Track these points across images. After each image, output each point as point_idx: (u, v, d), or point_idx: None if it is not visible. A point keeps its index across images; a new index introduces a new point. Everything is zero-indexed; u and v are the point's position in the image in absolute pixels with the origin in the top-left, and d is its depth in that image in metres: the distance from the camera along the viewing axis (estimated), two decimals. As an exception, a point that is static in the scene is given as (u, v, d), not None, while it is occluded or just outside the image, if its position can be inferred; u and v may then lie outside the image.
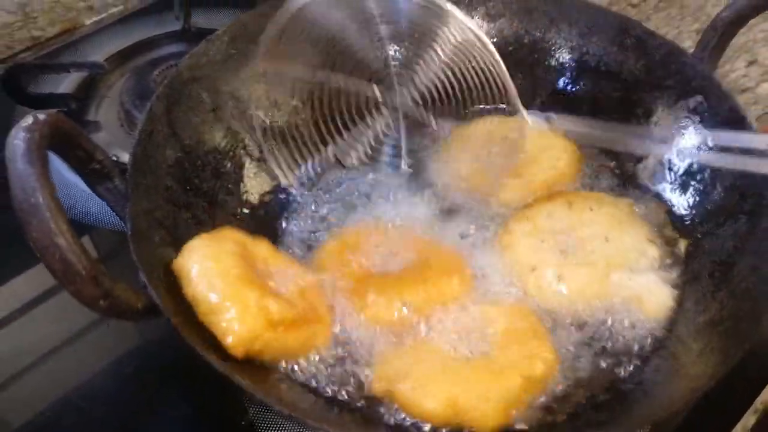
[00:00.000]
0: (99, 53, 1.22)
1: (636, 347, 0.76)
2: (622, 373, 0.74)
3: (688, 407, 0.79)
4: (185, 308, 0.68)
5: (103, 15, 1.27)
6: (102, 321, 0.90)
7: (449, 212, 0.88)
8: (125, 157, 0.80)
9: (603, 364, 0.75)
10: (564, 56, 0.98)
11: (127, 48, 1.23)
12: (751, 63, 1.41)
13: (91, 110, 1.15)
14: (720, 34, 0.87)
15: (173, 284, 0.70)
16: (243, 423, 0.80)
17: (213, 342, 0.68)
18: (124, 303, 0.63)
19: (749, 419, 0.89)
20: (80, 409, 0.82)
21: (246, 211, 0.87)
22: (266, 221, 0.88)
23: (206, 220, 0.81)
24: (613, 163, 0.93)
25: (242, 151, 0.89)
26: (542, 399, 0.71)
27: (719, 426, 0.87)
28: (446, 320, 0.76)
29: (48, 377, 0.85)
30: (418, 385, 0.69)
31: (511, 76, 0.77)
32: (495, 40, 0.99)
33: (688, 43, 1.21)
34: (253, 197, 0.89)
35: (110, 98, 1.17)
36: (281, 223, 0.89)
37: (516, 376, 0.69)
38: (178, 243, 0.75)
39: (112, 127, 1.11)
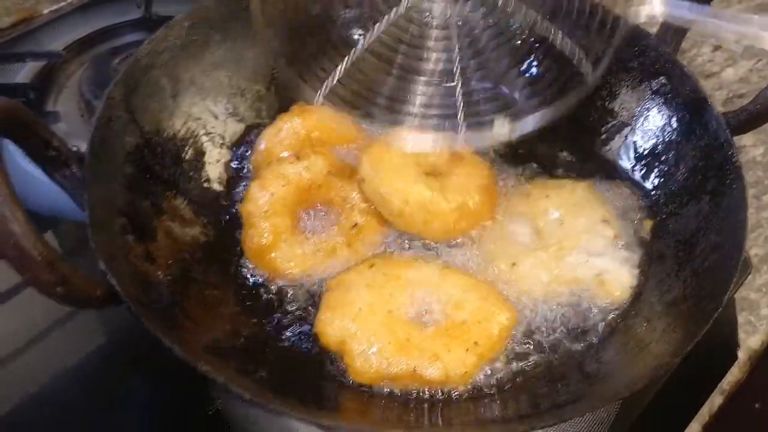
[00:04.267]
0: (57, 42, 1.19)
1: (599, 327, 0.77)
2: (586, 352, 0.75)
3: (654, 385, 0.80)
4: (148, 297, 0.67)
5: (62, 3, 1.24)
6: (66, 319, 0.89)
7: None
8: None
9: (567, 344, 0.75)
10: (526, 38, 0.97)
11: (86, 37, 1.20)
12: (716, 48, 1.43)
13: (49, 100, 1.12)
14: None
15: (137, 273, 0.69)
16: (210, 412, 0.79)
17: (177, 331, 0.67)
18: (81, 290, 0.61)
19: (715, 400, 0.91)
20: (46, 406, 0.82)
21: (207, 198, 0.86)
22: (228, 208, 0.86)
23: (167, 208, 0.80)
24: (576, 146, 0.93)
25: (203, 138, 0.88)
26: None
27: (686, 407, 0.88)
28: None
29: (13, 375, 0.84)
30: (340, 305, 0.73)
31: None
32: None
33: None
34: (215, 185, 0.87)
35: (69, 88, 1.14)
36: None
37: (412, 364, 0.70)
38: (138, 231, 0.74)
39: (72, 117, 1.08)
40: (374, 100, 0.73)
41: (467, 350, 0.70)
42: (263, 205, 0.79)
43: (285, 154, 0.85)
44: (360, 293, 0.72)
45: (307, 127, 0.87)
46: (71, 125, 1.07)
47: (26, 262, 0.57)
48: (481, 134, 0.70)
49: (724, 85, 1.33)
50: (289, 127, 0.87)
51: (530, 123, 0.69)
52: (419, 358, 0.69)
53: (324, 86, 0.73)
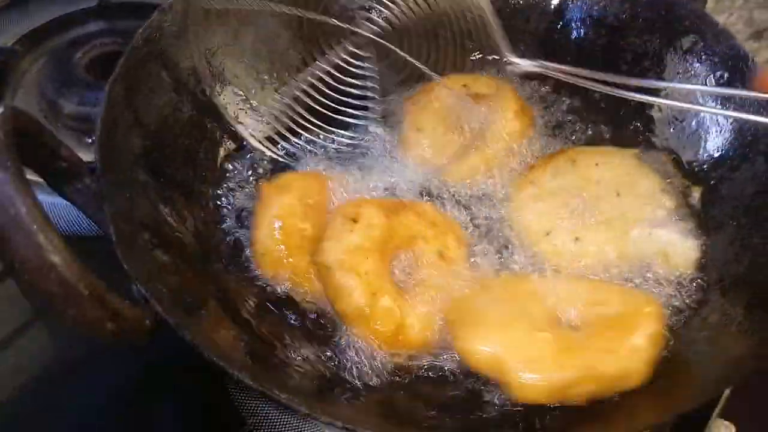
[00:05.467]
0: (5, 36, 1.07)
1: (669, 309, 0.72)
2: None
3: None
4: (197, 318, 0.59)
5: (7, -8, 1.11)
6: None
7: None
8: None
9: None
10: (544, 3, 0.92)
11: (39, 28, 1.08)
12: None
13: (2, 103, 0.99)
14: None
15: (174, 291, 0.61)
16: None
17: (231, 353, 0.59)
18: (132, 323, 0.53)
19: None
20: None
21: (226, 200, 0.77)
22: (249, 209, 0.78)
23: (186, 216, 0.71)
24: (609, 116, 0.88)
25: (216, 133, 0.79)
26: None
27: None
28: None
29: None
30: (477, 322, 0.64)
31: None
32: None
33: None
34: (233, 184, 0.79)
35: (26, 88, 1.02)
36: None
37: (584, 362, 0.62)
38: (165, 245, 0.65)
39: (34, 120, 0.97)
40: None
41: (638, 338, 0.63)
42: (362, 291, 0.64)
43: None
44: (493, 310, 0.65)
45: (300, 198, 0.74)
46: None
47: (72, 298, 0.48)
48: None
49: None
50: (282, 209, 0.73)
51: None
52: (591, 357, 0.62)
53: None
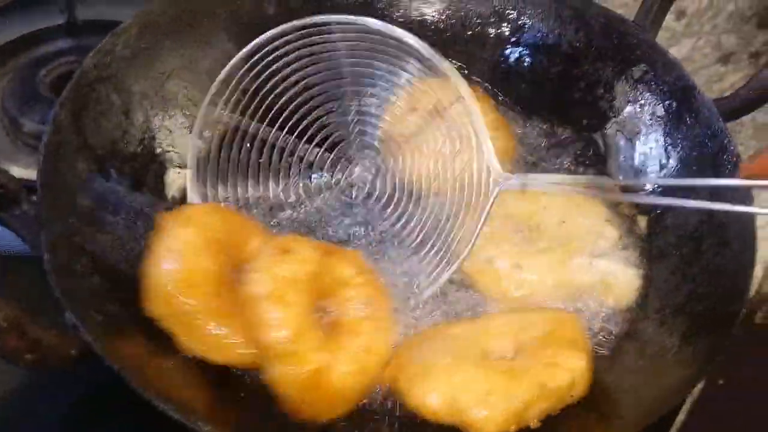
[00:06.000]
0: (-30, 53, 1.07)
1: (609, 337, 0.72)
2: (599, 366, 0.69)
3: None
4: (131, 349, 0.60)
5: (-29, 8, 1.12)
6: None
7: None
8: (16, 172, 0.73)
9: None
10: (499, 31, 0.93)
11: (4, 46, 1.08)
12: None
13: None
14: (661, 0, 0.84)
15: (111, 321, 0.61)
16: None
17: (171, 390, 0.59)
18: (54, 352, 0.53)
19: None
20: None
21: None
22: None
23: (131, 241, 0.71)
24: (561, 140, 0.89)
25: (163, 157, 0.79)
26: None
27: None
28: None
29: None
30: (422, 374, 0.64)
31: (444, 54, 0.71)
32: (424, 16, 0.93)
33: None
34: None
35: (-11, 105, 1.02)
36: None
37: (533, 383, 0.63)
38: (103, 271, 0.66)
39: (-5, 138, 0.97)
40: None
41: (570, 347, 0.66)
42: (292, 324, 0.62)
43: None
44: (432, 358, 0.65)
45: (202, 232, 0.67)
46: (-5, 148, 0.95)
47: (-10, 328, 0.49)
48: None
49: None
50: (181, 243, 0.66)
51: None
52: (538, 376, 0.63)
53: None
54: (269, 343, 0.60)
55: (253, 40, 0.74)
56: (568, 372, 0.63)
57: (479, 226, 0.71)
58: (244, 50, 0.74)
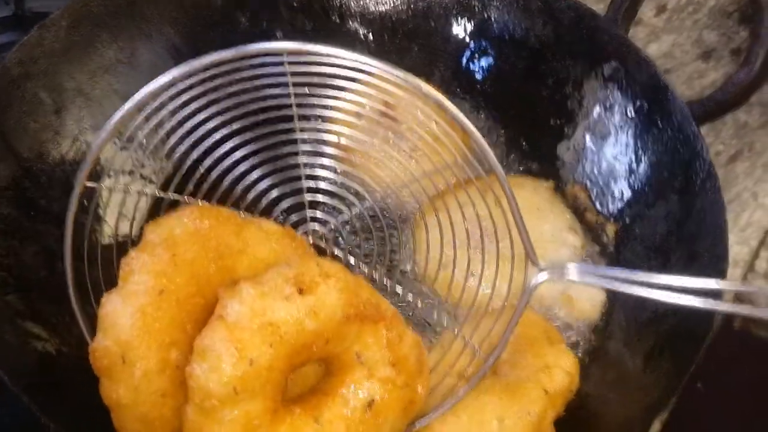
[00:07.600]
0: None
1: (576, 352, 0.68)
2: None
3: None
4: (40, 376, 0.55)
5: None
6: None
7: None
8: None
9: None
10: (464, 23, 0.87)
11: (-56, 40, 1.03)
12: (637, 23, 1.37)
13: None
14: (633, -6, 0.79)
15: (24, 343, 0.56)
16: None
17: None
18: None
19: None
20: None
21: (110, 234, 0.71)
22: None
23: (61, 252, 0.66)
24: (529, 144, 0.84)
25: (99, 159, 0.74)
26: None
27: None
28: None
29: None
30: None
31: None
32: (385, 8, 0.88)
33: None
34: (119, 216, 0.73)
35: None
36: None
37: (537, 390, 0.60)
38: (23, 288, 0.60)
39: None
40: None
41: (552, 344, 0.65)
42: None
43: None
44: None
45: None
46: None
47: None
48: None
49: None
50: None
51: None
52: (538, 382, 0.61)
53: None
54: None
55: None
56: (562, 370, 0.61)
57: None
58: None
